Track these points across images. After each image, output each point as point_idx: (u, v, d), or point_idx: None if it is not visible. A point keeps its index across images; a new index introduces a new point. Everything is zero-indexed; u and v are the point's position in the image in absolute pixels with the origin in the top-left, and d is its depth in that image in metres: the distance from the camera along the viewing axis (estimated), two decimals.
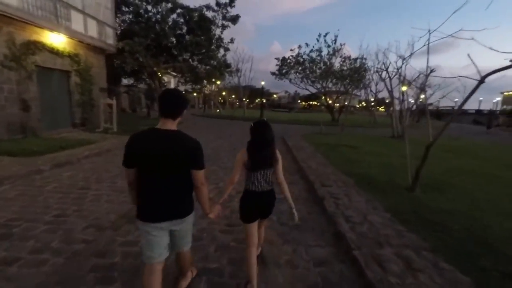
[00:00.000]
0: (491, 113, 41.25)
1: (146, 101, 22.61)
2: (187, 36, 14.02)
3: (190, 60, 15.31)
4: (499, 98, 50.07)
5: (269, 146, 2.01)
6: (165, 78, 36.37)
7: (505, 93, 47.06)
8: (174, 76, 20.36)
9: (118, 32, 13.71)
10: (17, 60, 7.41)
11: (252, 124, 2.05)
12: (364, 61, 19.35)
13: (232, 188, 2.12)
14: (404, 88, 15.24)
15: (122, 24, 14.39)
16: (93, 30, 10.13)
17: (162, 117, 1.59)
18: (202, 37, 13.49)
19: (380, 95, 23.96)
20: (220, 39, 14.75)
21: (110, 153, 7.07)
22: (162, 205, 1.61)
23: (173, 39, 14.32)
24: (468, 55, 3.93)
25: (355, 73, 19.77)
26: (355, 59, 19.78)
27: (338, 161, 6.56)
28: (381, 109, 53.19)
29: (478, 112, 48.86)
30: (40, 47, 8.06)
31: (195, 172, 1.64)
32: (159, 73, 16.94)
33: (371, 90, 25.28)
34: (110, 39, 11.25)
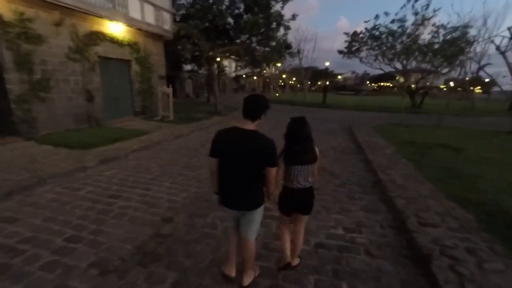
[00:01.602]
0: None
1: (206, 87, 22.96)
2: (244, 16, 12.89)
3: (248, 41, 14.23)
4: None
5: (305, 143, 2.01)
6: (225, 63, 36.77)
7: None
8: (235, 60, 19.78)
9: (176, 18, 13.53)
10: (80, 52, 7.62)
11: (290, 119, 2.10)
12: (467, 29, 14.76)
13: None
14: None
15: (179, 9, 14.16)
16: (150, 16, 9.95)
17: (244, 117, 1.78)
18: (260, 15, 12.15)
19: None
20: (280, 16, 13.11)
21: (158, 146, 6.72)
22: (236, 196, 1.88)
23: (230, 20, 13.40)
24: None
25: (451, 46, 15.34)
26: (454, 28, 15.21)
27: (436, 174, 4.61)
28: (477, 89, 42.54)
29: None
30: (101, 37, 8.17)
31: (268, 169, 1.80)
32: (217, 58, 16.50)
33: (469, 68, 19.92)
34: (167, 24, 11.02)
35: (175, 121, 10.15)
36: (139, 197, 3.79)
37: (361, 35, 18.26)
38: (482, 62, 18.90)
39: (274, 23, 12.79)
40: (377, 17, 17.01)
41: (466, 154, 6.06)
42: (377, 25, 17.08)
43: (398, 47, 16.29)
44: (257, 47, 14.34)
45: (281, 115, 8.11)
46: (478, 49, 17.60)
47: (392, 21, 16.37)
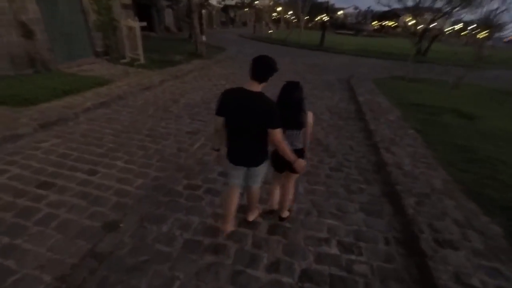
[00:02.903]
0: None
1: (186, 18, 19.71)
2: None
3: None
4: None
5: (296, 108, 2.03)
6: None
7: None
8: None
9: None
10: None
11: (285, 82, 2.08)
12: None
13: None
14: None
15: None
16: None
17: (251, 78, 1.75)
18: None
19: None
20: None
21: (120, 102, 5.51)
22: (241, 154, 1.98)
23: None
24: None
25: None
26: None
27: (449, 155, 3.89)
28: (483, 34, 39.71)
29: None
30: None
31: (270, 131, 1.78)
32: None
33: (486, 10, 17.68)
34: None
35: (146, 65, 8.56)
36: (79, 186, 2.90)
37: None
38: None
39: None
40: None
41: (481, 125, 5.29)
42: None
43: None
44: None
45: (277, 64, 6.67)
46: None
47: None
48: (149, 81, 6.95)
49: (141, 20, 8.37)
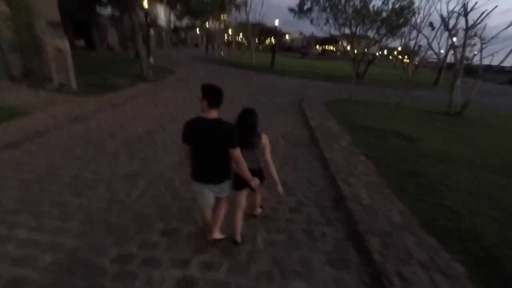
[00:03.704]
0: None
1: (130, 40, 18.65)
2: None
3: None
4: None
5: (250, 130, 2.29)
6: (160, 11, 30.71)
7: None
8: (170, 8, 16.08)
9: None
10: None
11: (242, 109, 2.35)
12: None
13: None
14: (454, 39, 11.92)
15: None
16: None
17: (210, 108, 1.97)
18: None
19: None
20: None
21: (38, 140, 4.50)
22: (206, 173, 2.17)
23: None
24: None
25: (398, 17, 15.17)
26: None
27: (400, 181, 3.98)
28: (405, 60, 46.88)
29: None
30: None
31: (231, 151, 2.02)
32: (143, 3, 12.91)
33: (409, 39, 20.73)
34: None
35: (80, 91, 7.49)
36: None
37: None
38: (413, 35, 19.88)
39: None
40: None
41: (420, 146, 5.72)
42: None
43: (350, 11, 15.33)
44: None
45: (222, 83, 6.33)
46: (419, 20, 18.07)
47: None
48: (81, 111, 5.98)
49: (79, 38, 7.41)
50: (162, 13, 29.85)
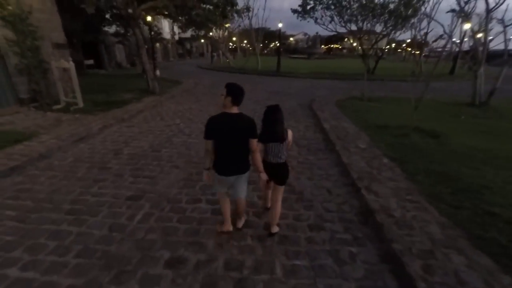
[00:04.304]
0: None
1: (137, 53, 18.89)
2: None
3: None
4: None
5: (277, 125, 2.42)
6: (164, 24, 31.25)
7: None
8: (173, 21, 16.23)
9: None
10: None
11: (266, 107, 2.49)
12: None
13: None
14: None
15: None
16: None
17: (233, 104, 2.18)
18: None
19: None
20: None
21: (42, 163, 4.35)
22: (231, 165, 2.36)
23: None
24: None
25: (406, 7, 14.55)
26: None
27: (433, 186, 3.51)
28: (416, 51, 45.34)
29: None
30: None
31: (251, 141, 2.27)
32: (147, 18, 13.00)
33: (420, 30, 19.88)
34: None
35: (86, 109, 7.45)
36: None
37: None
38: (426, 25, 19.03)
39: None
40: None
41: (448, 143, 5.18)
42: None
43: (355, 6, 14.86)
44: (196, 4, 11.37)
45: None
46: (428, 9, 17.31)
47: None
48: (86, 129, 5.87)
49: (88, 58, 7.47)
50: (166, 27, 30.39)
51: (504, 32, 9.18)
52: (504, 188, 3.43)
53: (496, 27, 9.72)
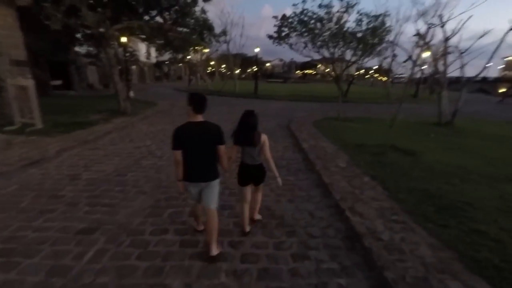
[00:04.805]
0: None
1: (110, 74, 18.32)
2: None
3: (159, 18, 11.15)
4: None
5: (251, 129, 2.59)
6: (141, 46, 31.11)
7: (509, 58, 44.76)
8: (149, 43, 16.09)
9: None
10: None
11: (244, 110, 2.68)
12: (385, 19, 15.28)
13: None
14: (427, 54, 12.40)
15: None
16: None
17: (196, 113, 2.24)
18: None
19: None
20: None
21: None
22: (199, 171, 2.35)
23: None
24: None
25: (372, 36, 15.80)
26: (376, 16, 15.54)
27: (417, 205, 3.38)
28: (382, 78, 49.36)
29: (484, 80, 45.91)
30: None
31: (218, 147, 2.33)
32: (121, 38, 12.72)
33: (386, 57, 21.55)
34: None
35: (45, 131, 6.72)
36: None
37: (290, 20, 17.11)
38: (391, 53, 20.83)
39: None
40: (304, 1, 16.05)
41: (423, 160, 5.25)
42: (304, 9, 16.14)
43: (326, 34, 15.82)
44: (172, 27, 11.37)
45: (208, 111, 5.72)
46: (391, 38, 18.91)
47: (319, 6, 15.66)
48: (41, 152, 5.20)
49: (56, 78, 6.92)
50: (143, 49, 30.19)
51: (462, 58, 10.06)
52: (485, 204, 3.38)
53: (453, 55, 10.68)
